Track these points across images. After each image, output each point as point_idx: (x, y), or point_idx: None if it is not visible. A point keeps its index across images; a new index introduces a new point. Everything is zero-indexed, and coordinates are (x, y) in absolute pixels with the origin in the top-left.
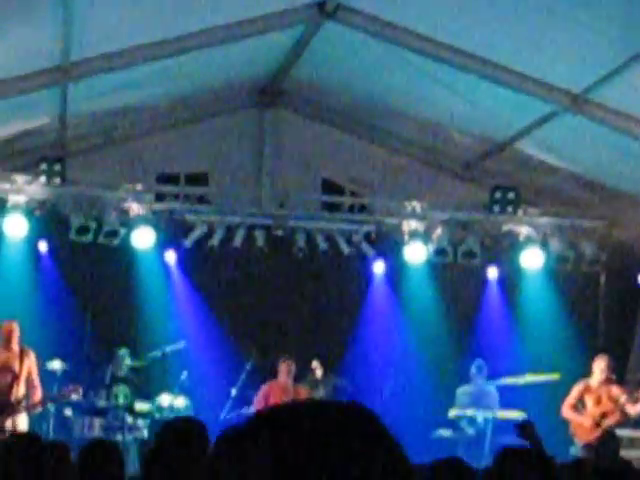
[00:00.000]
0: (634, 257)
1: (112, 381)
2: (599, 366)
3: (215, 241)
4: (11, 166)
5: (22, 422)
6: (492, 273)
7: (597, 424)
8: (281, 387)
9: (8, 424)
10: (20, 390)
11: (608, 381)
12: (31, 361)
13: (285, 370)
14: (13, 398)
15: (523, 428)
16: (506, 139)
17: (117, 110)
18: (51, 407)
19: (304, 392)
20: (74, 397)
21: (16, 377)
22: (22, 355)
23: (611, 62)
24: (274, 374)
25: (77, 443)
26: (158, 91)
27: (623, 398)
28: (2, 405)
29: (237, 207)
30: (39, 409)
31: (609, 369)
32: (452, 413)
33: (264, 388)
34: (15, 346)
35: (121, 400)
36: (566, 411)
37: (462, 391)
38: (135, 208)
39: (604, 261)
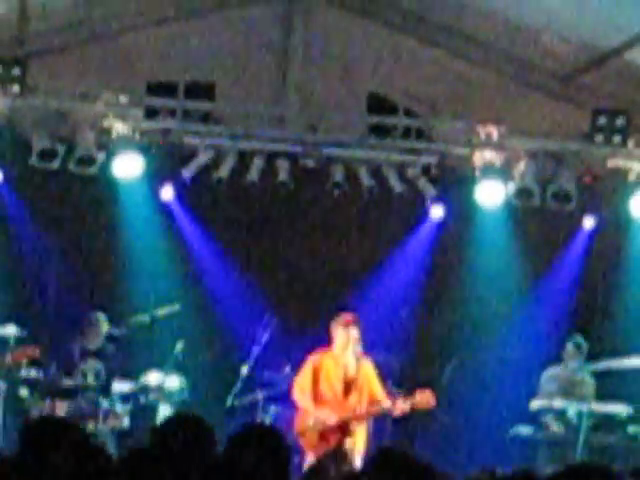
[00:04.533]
0: None
1: (83, 354)
2: None
3: (224, 173)
4: None
5: None
6: (591, 222)
7: None
8: (338, 362)
9: None
10: None
11: None
12: None
13: (344, 335)
14: None
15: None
16: (615, 47)
17: None
18: (1, 385)
19: (370, 368)
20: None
21: None
22: None
23: None
24: (308, 343)
25: None
26: None
27: None
28: None
29: (254, 129)
30: None
31: None
32: (534, 404)
33: (313, 360)
34: None
35: (94, 378)
36: None
37: (549, 375)
38: (118, 127)
39: None
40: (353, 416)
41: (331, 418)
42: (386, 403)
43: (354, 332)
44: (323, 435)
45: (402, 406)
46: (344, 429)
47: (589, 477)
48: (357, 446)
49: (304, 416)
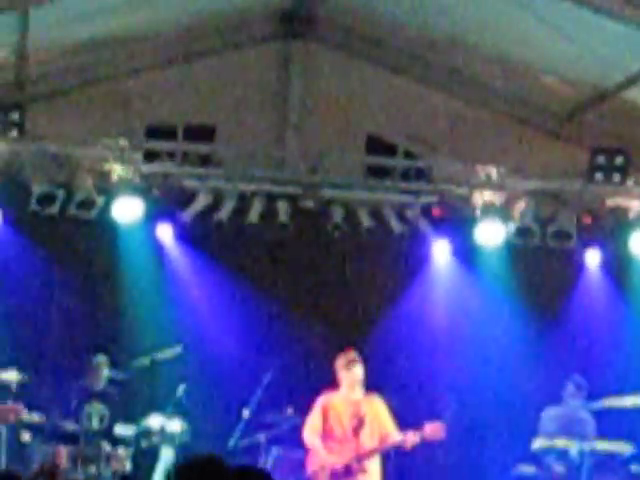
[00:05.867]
0: None
1: (85, 398)
2: None
3: (224, 215)
4: None
5: None
6: (592, 260)
7: None
8: (347, 400)
9: None
10: None
11: None
12: None
13: (348, 375)
14: None
15: None
16: (613, 86)
17: (94, 41)
18: (2, 429)
19: (381, 405)
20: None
21: None
22: None
23: None
24: (308, 385)
25: None
26: (150, 16)
27: None
28: None
29: (253, 171)
30: None
31: None
32: (537, 444)
33: (323, 400)
34: None
35: (96, 422)
36: None
37: (549, 415)
38: (117, 171)
39: None
40: (362, 453)
41: (336, 462)
42: (396, 437)
43: (357, 370)
44: (334, 475)
45: (412, 439)
46: (356, 468)
47: None
48: None
49: (315, 457)
